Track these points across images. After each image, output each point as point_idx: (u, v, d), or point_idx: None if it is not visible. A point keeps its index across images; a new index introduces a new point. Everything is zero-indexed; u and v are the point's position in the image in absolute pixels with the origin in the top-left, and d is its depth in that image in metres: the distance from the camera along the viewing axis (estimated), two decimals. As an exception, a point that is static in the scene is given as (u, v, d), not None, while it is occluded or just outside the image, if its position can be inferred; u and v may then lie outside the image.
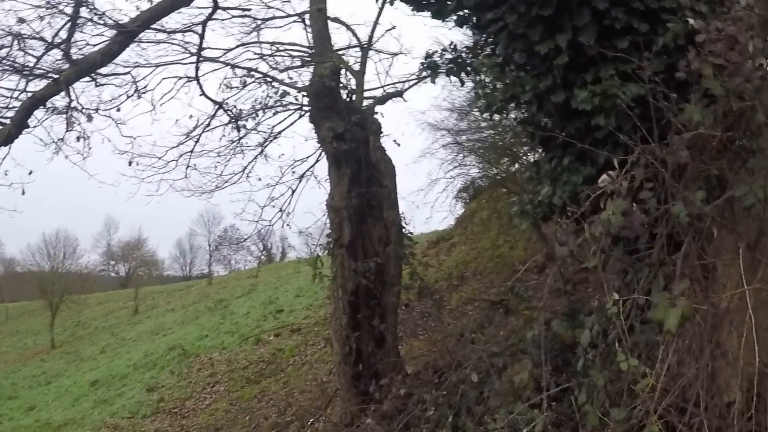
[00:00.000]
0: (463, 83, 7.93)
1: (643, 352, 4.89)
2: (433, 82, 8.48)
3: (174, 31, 12.72)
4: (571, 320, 6.25)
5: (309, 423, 11.49)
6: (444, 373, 8.46)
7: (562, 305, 6.91)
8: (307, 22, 12.25)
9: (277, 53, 13.67)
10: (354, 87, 11.44)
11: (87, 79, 11.50)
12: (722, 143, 4.72)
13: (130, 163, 13.08)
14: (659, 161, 4.48)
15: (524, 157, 15.81)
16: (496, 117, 16.37)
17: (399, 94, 12.20)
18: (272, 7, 13.52)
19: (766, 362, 4.59)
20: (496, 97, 6.65)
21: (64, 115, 11.41)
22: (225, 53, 13.57)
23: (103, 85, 12.13)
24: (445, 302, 13.96)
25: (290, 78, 13.13)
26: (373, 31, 13.22)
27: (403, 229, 10.52)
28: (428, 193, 19.42)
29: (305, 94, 11.55)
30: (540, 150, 6.91)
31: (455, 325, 12.07)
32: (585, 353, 5.26)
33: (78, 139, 11.62)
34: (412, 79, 12.50)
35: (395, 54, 13.66)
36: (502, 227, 17.49)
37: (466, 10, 6.54)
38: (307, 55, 13.18)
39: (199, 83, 13.27)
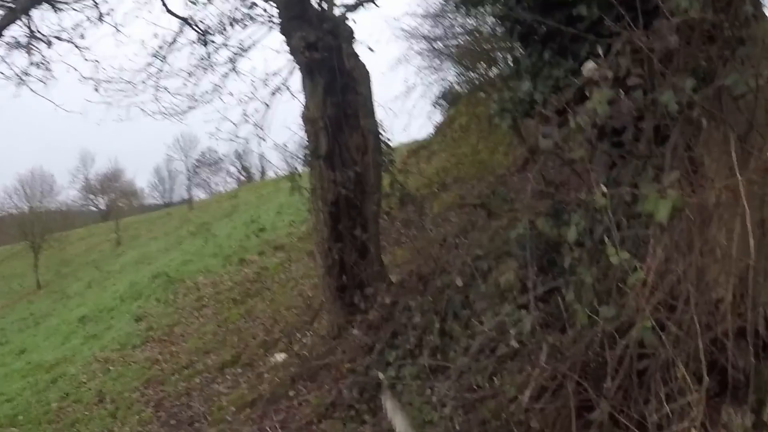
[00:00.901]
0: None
1: (631, 249, 4.77)
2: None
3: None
4: (555, 219, 6.12)
5: (297, 338, 11.48)
6: (429, 279, 8.40)
7: (546, 206, 6.79)
8: (274, -71, 11.64)
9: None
10: (325, -6, 10.95)
11: (46, 7, 11.00)
12: (711, 31, 4.51)
13: (96, 89, 12.67)
14: (646, 48, 4.27)
15: (502, 61, 15.50)
16: (472, 21, 16.07)
17: (371, -1, 11.72)
18: None
19: (756, 257, 4.49)
20: (473, -10, 6.36)
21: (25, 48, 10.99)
22: (189, -34, 12.92)
23: (62, 10, 11.61)
24: (427, 209, 13.82)
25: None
26: (342, -67, 12.60)
27: (381, 137, 10.29)
28: (406, 101, 19.21)
29: (274, 4, 11.10)
30: (519, 46, 6.63)
31: (438, 231, 11.95)
32: (571, 251, 5.16)
33: (39, 65, 11.22)
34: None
35: (366, -43, 13.07)
36: (482, 132, 17.26)
37: None
38: (274, -37, 12.58)
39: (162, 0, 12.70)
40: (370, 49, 11.01)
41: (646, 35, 4.32)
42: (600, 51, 4.42)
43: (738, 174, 4.04)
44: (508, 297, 6.22)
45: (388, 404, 6.95)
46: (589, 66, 4.16)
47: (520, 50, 6.55)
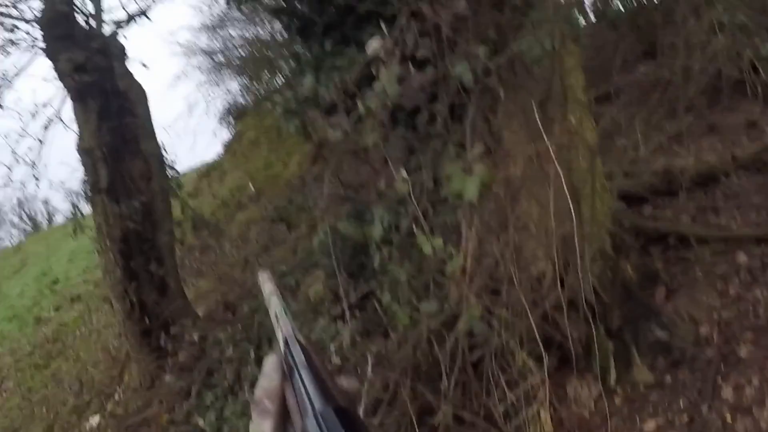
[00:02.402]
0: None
1: (441, 236, 4.41)
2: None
3: None
4: (358, 220, 5.69)
5: (109, 396, 10.41)
6: (236, 306, 7.83)
7: (347, 209, 6.40)
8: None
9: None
10: (92, 11, 9.98)
11: None
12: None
13: None
14: (433, 18, 3.90)
15: (285, 67, 15.03)
16: (251, 30, 15.52)
17: (143, 13, 10.83)
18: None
19: (572, 224, 4.26)
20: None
21: None
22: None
23: None
24: (224, 232, 13.10)
25: (19, 10, 11.28)
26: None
27: (165, 160, 9.48)
28: (189, 120, 18.12)
29: (37, 25, 9.95)
30: (299, 41, 6.16)
31: (238, 254, 11.31)
32: (380, 250, 4.75)
33: None
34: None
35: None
36: (273, 144, 16.68)
37: None
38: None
39: None
40: (144, 66, 10.22)
41: (431, 4, 3.97)
42: (384, 26, 4.03)
43: (546, 140, 3.72)
44: (320, 310, 5.75)
45: None
46: (374, 44, 3.71)
47: (301, 45, 6.10)
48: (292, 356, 0.86)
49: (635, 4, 8.72)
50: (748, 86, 7.26)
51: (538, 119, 3.73)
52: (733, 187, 6.29)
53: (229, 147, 20.57)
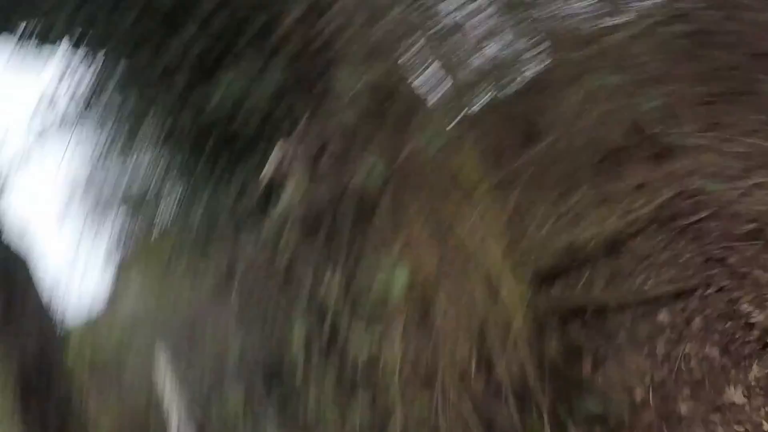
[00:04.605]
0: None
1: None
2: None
3: None
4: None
5: None
6: None
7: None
8: None
9: None
10: None
11: None
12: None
13: None
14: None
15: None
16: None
17: None
18: None
19: (487, 315, 4.06)
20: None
21: None
22: None
23: None
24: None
25: None
26: None
27: None
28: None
29: None
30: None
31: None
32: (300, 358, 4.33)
33: None
34: None
35: None
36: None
37: None
38: None
39: None
40: None
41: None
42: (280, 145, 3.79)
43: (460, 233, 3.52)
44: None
45: None
46: (276, 154, 3.45)
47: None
48: None
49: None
50: (630, 148, 7.23)
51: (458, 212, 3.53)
52: (639, 249, 6.15)
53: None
